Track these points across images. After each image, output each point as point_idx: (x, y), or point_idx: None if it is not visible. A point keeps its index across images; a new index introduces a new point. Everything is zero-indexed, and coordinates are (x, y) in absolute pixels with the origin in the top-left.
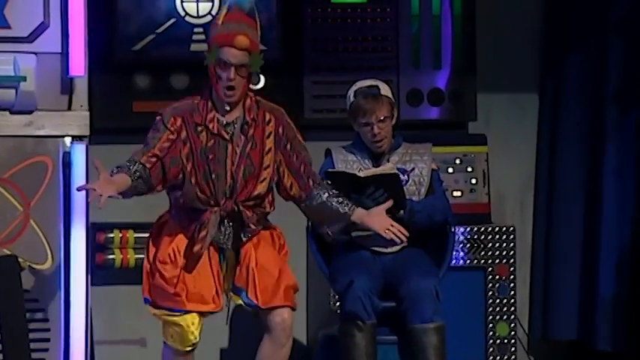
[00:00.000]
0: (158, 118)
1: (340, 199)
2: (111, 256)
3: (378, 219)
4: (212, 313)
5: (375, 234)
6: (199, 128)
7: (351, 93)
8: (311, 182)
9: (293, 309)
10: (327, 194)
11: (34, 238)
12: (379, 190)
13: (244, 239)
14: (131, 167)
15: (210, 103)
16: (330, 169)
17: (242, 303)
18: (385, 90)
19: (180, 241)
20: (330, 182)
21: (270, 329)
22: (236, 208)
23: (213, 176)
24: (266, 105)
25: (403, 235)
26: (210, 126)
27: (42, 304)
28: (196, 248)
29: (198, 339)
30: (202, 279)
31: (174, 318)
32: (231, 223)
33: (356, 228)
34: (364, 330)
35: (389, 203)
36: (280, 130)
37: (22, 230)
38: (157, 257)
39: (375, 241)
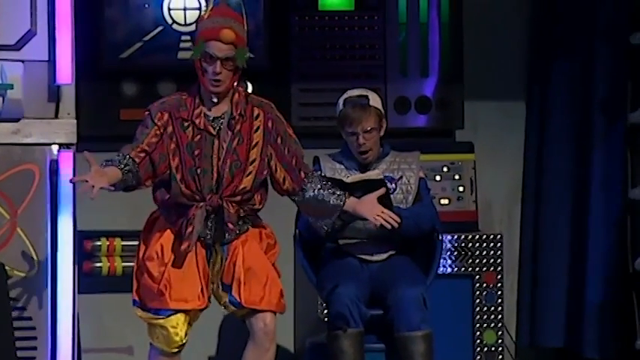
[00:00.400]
0: (146, 113)
1: (332, 190)
2: (98, 264)
3: (369, 206)
4: (198, 310)
5: (363, 241)
6: (186, 124)
7: (340, 101)
8: (303, 174)
9: (281, 312)
10: (319, 186)
11: (21, 245)
12: (365, 196)
13: (228, 237)
14: (121, 161)
15: (197, 99)
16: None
17: (227, 301)
18: (375, 101)
19: (167, 237)
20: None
21: (253, 334)
22: (221, 203)
23: (199, 171)
24: (254, 99)
25: (394, 221)
26: (197, 121)
27: (29, 312)
28: (184, 247)
29: (184, 340)
30: (187, 276)
31: (159, 321)
32: (216, 220)
33: (343, 235)
34: (351, 337)
35: (381, 191)
36: (270, 124)
37: (9, 238)
38: (145, 255)
39: (363, 249)
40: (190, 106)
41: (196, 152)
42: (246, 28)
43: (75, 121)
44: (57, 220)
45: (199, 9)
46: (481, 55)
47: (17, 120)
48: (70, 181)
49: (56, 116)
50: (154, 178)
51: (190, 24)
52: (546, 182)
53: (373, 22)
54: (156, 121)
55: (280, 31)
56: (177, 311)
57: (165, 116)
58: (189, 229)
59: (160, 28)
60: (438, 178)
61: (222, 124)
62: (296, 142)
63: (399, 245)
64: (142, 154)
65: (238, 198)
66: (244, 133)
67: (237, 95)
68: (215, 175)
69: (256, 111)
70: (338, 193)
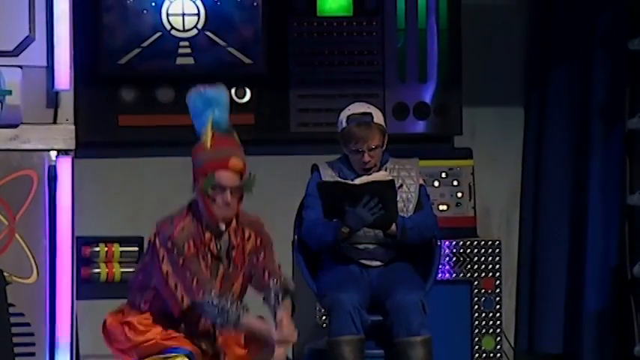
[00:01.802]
0: (169, 244)
1: (276, 305)
2: (96, 270)
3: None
4: None
5: (364, 247)
6: (205, 249)
7: (343, 117)
8: (266, 275)
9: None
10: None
11: (19, 252)
12: (374, 199)
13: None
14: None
15: (204, 223)
16: (323, 180)
17: None
18: (378, 118)
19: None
20: (323, 194)
21: None
22: (211, 330)
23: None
24: (244, 220)
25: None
26: (210, 246)
27: (27, 319)
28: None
29: None
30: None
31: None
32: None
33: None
34: (352, 344)
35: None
36: (259, 242)
37: (8, 244)
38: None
39: (363, 255)
40: (203, 230)
41: (213, 280)
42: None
43: (73, 126)
44: (55, 225)
45: (198, 15)
46: (479, 61)
47: (15, 126)
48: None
49: (54, 122)
50: None
51: (189, 30)
52: (545, 188)
53: (372, 27)
54: (186, 253)
55: (278, 37)
56: (189, 353)
57: (192, 247)
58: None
59: (158, 34)
60: (436, 183)
61: (223, 250)
62: (273, 260)
63: (398, 251)
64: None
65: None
66: (238, 259)
67: (233, 222)
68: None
69: (247, 232)
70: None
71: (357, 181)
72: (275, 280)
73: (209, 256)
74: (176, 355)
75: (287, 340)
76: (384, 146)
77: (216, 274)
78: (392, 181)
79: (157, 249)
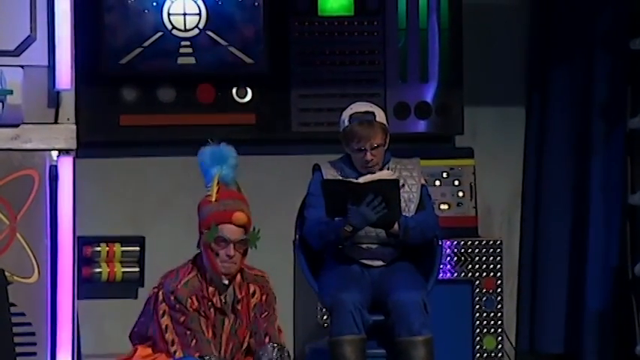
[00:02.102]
0: (172, 298)
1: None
2: (97, 270)
3: None
4: None
5: (365, 247)
6: (209, 303)
7: (345, 117)
8: (267, 339)
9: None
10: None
11: (20, 251)
12: (378, 198)
13: None
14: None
15: (207, 278)
16: (327, 178)
17: None
18: (380, 117)
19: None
20: (326, 192)
21: None
22: None
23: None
24: (250, 276)
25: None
26: (214, 300)
27: (29, 318)
28: None
29: None
30: None
31: None
32: None
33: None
34: (353, 344)
35: None
36: (264, 298)
37: (9, 244)
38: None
39: (365, 255)
40: (207, 284)
41: (215, 333)
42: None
43: (74, 126)
44: (56, 225)
45: (199, 14)
46: (481, 60)
47: (17, 125)
48: None
49: (56, 122)
50: None
51: (190, 29)
52: (546, 188)
53: (373, 27)
54: (188, 307)
55: (280, 37)
56: None
57: (195, 302)
58: None
59: (159, 34)
60: (437, 183)
61: (228, 305)
62: (275, 315)
63: (400, 251)
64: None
65: None
66: (244, 314)
67: (238, 276)
68: (223, 354)
69: (252, 288)
70: None
71: (362, 180)
72: (274, 347)
73: (212, 310)
74: None
75: None
76: (387, 145)
77: (221, 329)
78: (396, 181)
79: (159, 303)
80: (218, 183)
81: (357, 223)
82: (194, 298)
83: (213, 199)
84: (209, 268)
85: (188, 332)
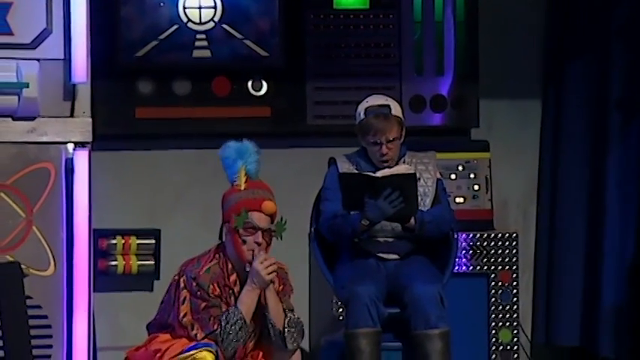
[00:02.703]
0: (195, 288)
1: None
2: (113, 263)
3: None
4: None
5: (382, 240)
6: (230, 291)
7: (361, 110)
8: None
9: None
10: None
11: (36, 244)
12: (395, 192)
13: None
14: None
15: (229, 265)
16: (344, 172)
17: None
18: (396, 110)
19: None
20: (344, 186)
21: None
22: None
23: None
24: None
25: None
26: (235, 289)
27: (45, 311)
28: None
29: None
30: None
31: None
32: None
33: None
34: (369, 337)
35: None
36: (280, 288)
37: (25, 237)
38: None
39: (381, 248)
40: (228, 273)
41: None
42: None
43: (90, 119)
44: (72, 218)
45: (214, 7)
46: (496, 53)
47: (33, 119)
48: None
49: (72, 115)
50: None
51: (205, 22)
52: (562, 181)
53: (388, 20)
54: (210, 293)
55: (295, 30)
56: (212, 345)
57: (217, 289)
58: None
59: (175, 27)
60: (453, 176)
61: None
62: (289, 300)
63: (416, 245)
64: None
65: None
66: (262, 301)
67: None
68: None
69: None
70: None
71: (379, 174)
72: (287, 313)
73: (233, 298)
74: (199, 350)
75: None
76: (402, 139)
77: None
78: (414, 175)
79: (180, 290)
80: (245, 174)
81: (374, 217)
82: (216, 285)
83: (242, 188)
84: (234, 255)
85: (209, 318)
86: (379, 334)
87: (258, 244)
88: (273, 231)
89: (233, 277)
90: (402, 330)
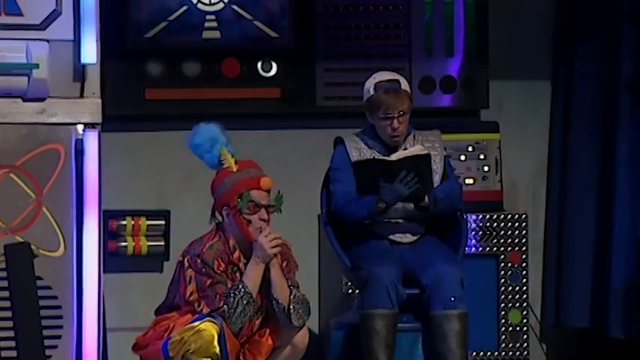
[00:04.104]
0: (200, 265)
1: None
2: (123, 244)
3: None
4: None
5: (395, 222)
6: (234, 268)
7: (370, 86)
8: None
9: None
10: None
11: (46, 225)
12: (411, 174)
13: None
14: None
15: (231, 242)
16: (357, 159)
17: None
18: (405, 85)
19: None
20: (358, 172)
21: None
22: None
23: None
24: None
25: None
26: (240, 265)
27: (55, 292)
28: None
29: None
30: None
31: (196, 324)
32: None
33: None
34: (386, 318)
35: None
36: (284, 264)
37: (35, 217)
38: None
39: (394, 230)
40: (231, 250)
41: None
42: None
43: (100, 100)
44: (82, 199)
45: None
46: (506, 34)
47: (42, 100)
48: None
49: (81, 96)
50: None
51: (215, 3)
52: (572, 162)
53: (398, 1)
54: (215, 269)
55: (305, 11)
56: (216, 318)
57: (222, 265)
58: None
59: (184, 8)
60: (462, 157)
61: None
62: (294, 276)
63: (427, 226)
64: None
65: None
66: (265, 279)
67: None
68: None
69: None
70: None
71: (394, 157)
72: (292, 289)
73: (238, 275)
74: (203, 321)
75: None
76: (410, 114)
77: None
78: (428, 155)
79: (185, 270)
80: (232, 156)
81: (390, 200)
82: (220, 260)
83: (235, 169)
84: (240, 235)
85: (215, 296)
86: (396, 316)
87: (265, 221)
88: (272, 206)
89: (236, 254)
90: (419, 311)
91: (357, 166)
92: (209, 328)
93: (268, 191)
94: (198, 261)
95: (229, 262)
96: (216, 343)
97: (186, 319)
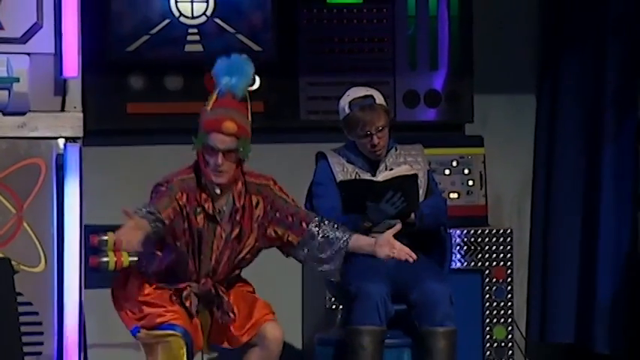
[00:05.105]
0: (163, 188)
1: (336, 226)
2: (104, 259)
3: (385, 248)
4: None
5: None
6: (198, 209)
7: (344, 104)
8: (304, 224)
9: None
10: (323, 226)
11: (27, 240)
12: (397, 194)
13: (220, 316)
14: (153, 219)
15: (203, 184)
16: (342, 179)
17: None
18: (379, 99)
19: (159, 290)
20: (344, 192)
21: (265, 342)
22: (213, 291)
23: (202, 257)
24: (252, 186)
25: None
26: (206, 206)
27: (35, 307)
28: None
29: None
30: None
31: (166, 332)
32: (207, 302)
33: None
34: (373, 334)
35: (397, 227)
36: (269, 207)
37: (15, 233)
38: (137, 299)
39: None
40: (201, 190)
41: (202, 238)
42: (249, 116)
43: (81, 114)
44: (63, 214)
45: (206, 1)
46: (491, 48)
47: (23, 113)
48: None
49: (62, 110)
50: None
51: (197, 17)
52: (557, 177)
53: (382, 15)
54: (177, 198)
55: (288, 24)
56: (184, 332)
57: (184, 198)
58: (187, 303)
59: (166, 21)
60: (447, 172)
61: (224, 213)
62: (294, 205)
63: (412, 242)
64: (167, 219)
65: (232, 281)
66: (245, 224)
67: (239, 184)
68: (213, 261)
69: (255, 199)
70: (342, 229)
71: (380, 177)
72: (316, 222)
73: (203, 216)
74: (172, 334)
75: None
76: (389, 126)
77: (213, 235)
78: (415, 175)
79: (151, 194)
80: (220, 92)
81: (376, 219)
82: (184, 194)
83: (209, 108)
84: (203, 175)
85: (162, 197)
86: (384, 333)
87: (218, 166)
88: (231, 151)
89: (204, 195)
90: (407, 327)
91: (342, 185)
92: (179, 344)
93: (235, 135)
94: (163, 186)
95: (195, 200)
96: (183, 353)
97: (157, 314)
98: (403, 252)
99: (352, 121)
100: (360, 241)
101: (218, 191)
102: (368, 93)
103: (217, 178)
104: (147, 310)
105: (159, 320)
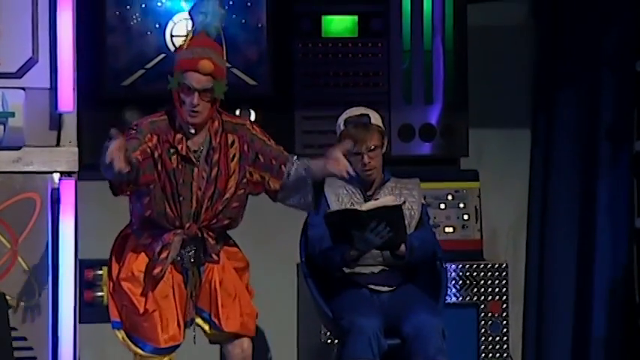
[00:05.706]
0: (133, 131)
1: (302, 162)
2: (99, 294)
3: (335, 163)
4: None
5: (372, 272)
6: (172, 150)
7: (340, 122)
8: (283, 168)
9: (251, 337)
10: (295, 166)
11: (22, 275)
12: (382, 224)
13: (206, 264)
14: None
15: (177, 125)
16: (328, 211)
17: (203, 326)
18: (375, 119)
19: (142, 260)
20: (330, 224)
21: (230, 358)
22: (199, 234)
23: (181, 199)
24: (228, 125)
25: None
26: (179, 147)
27: (30, 342)
28: (156, 271)
29: None
30: (169, 307)
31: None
32: (194, 248)
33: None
34: None
35: (346, 144)
36: (245, 147)
37: (10, 267)
38: (120, 275)
39: (372, 280)
40: (174, 132)
41: (179, 180)
42: (225, 58)
43: (77, 149)
44: (58, 249)
45: None
46: (486, 82)
47: (18, 148)
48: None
49: (58, 144)
50: (136, 185)
51: None
52: (552, 210)
53: (377, 49)
54: (146, 140)
55: (284, 59)
56: (168, 350)
57: (155, 139)
58: (164, 255)
59: (162, 56)
60: (442, 206)
61: (201, 153)
62: (276, 148)
63: (405, 275)
64: (138, 159)
65: (216, 226)
66: (222, 163)
67: (216, 123)
68: (194, 203)
69: (231, 138)
70: (305, 162)
71: (365, 207)
72: (292, 162)
73: (177, 157)
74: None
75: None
76: (384, 148)
77: (191, 176)
78: (399, 206)
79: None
80: (195, 32)
81: (362, 248)
82: (155, 137)
83: (185, 46)
84: (178, 115)
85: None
86: None
87: (194, 106)
88: (207, 90)
89: (178, 136)
90: None
91: (328, 217)
92: None
93: (211, 75)
94: (134, 127)
95: (166, 141)
96: None
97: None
98: (345, 168)
99: (345, 138)
100: (316, 167)
101: (192, 131)
102: (364, 112)
103: (192, 118)
104: (128, 306)
105: (144, 341)
